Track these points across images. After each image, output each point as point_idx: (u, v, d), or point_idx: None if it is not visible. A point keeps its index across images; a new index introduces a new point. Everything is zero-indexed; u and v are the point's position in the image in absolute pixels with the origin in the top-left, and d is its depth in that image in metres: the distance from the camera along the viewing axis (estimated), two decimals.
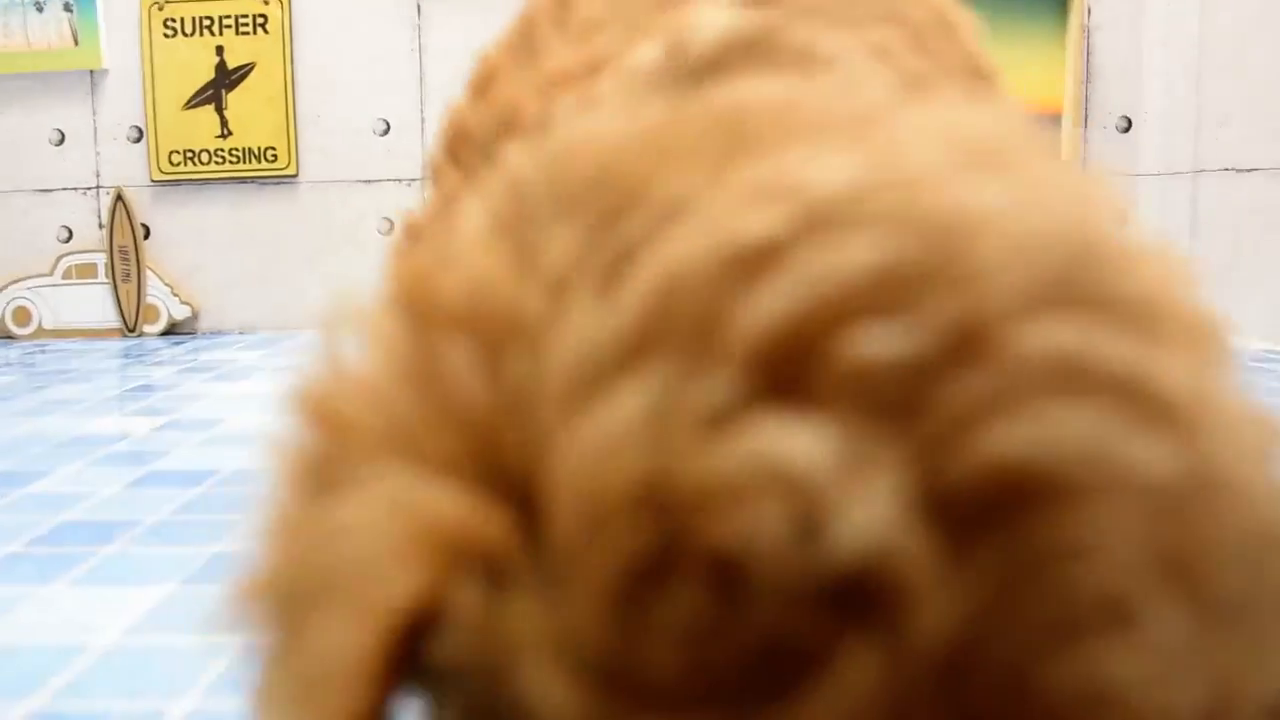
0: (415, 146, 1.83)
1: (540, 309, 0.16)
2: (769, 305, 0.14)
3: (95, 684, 0.58)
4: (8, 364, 1.63)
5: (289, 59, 1.83)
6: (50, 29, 1.82)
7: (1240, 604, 0.15)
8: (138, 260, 1.85)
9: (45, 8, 1.80)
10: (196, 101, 1.84)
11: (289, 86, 1.83)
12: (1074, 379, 0.14)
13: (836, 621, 0.13)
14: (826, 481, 0.13)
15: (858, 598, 0.13)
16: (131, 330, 1.85)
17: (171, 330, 1.87)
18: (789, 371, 0.14)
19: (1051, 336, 0.14)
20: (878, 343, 0.14)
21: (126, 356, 1.69)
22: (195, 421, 1.19)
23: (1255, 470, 0.15)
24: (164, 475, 0.96)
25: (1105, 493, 0.14)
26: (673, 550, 0.14)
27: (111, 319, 1.87)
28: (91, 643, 0.62)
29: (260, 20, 1.82)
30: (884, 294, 0.14)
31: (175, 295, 1.86)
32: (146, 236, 1.85)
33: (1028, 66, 1.70)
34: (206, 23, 1.82)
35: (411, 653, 0.15)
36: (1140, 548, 0.14)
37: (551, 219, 0.17)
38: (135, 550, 0.77)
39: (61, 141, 1.85)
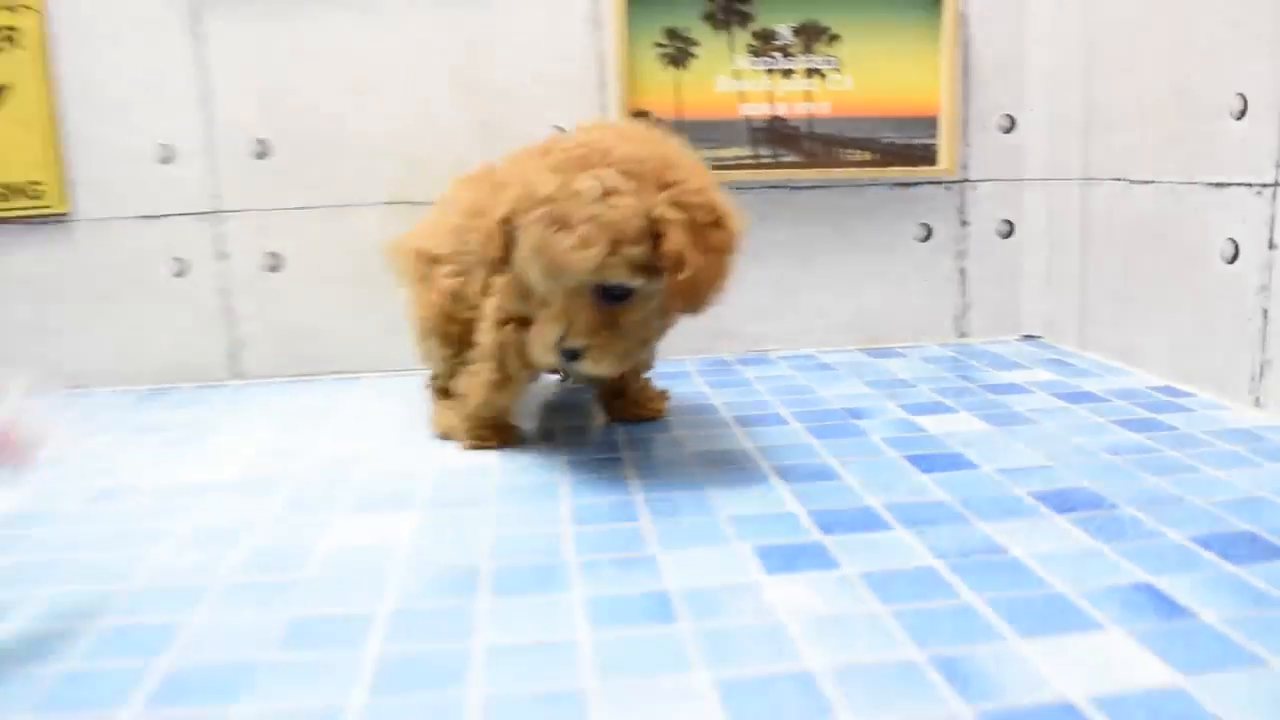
0: (203, 173, 1.59)
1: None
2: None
3: None
4: None
5: (50, 77, 1.55)
6: None
7: None
8: None
9: None
10: None
11: (53, 109, 1.56)
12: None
13: None
14: None
15: None
16: None
17: None
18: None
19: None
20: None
21: None
22: None
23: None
24: None
25: None
26: None
27: None
28: None
29: (8, 33, 1.53)
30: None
31: None
32: None
33: (901, 65, 1.49)
34: None
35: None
36: None
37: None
38: None
39: None
